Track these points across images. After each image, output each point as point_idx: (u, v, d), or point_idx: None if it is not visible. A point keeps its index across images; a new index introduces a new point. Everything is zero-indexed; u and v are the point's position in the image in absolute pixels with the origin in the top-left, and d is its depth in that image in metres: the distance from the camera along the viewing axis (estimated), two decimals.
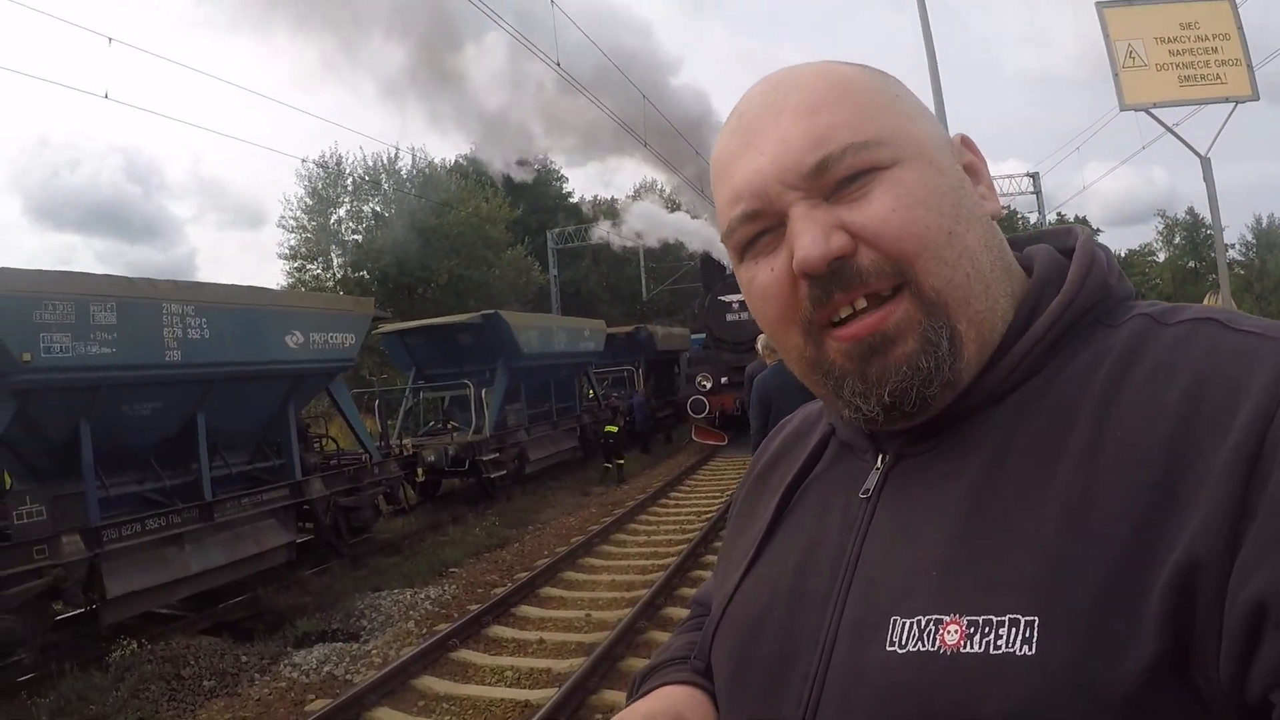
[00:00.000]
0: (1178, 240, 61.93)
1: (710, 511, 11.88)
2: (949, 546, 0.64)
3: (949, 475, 0.69)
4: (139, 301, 7.45)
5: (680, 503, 13.46)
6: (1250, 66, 5.70)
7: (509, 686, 5.90)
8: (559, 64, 16.34)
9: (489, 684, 5.98)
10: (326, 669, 6.52)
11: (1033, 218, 56.33)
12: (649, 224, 28.68)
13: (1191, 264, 59.63)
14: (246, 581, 8.44)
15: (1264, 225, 54.49)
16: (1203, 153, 4.74)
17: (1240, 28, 5.73)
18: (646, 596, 7.45)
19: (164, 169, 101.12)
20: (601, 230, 31.37)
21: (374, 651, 6.87)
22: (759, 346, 7.94)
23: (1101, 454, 0.60)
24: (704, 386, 18.16)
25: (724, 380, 18.07)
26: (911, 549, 0.67)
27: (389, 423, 14.17)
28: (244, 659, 6.80)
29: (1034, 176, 33.97)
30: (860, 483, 0.76)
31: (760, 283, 0.73)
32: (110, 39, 13.22)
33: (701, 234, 24.70)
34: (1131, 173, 57.04)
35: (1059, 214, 54.32)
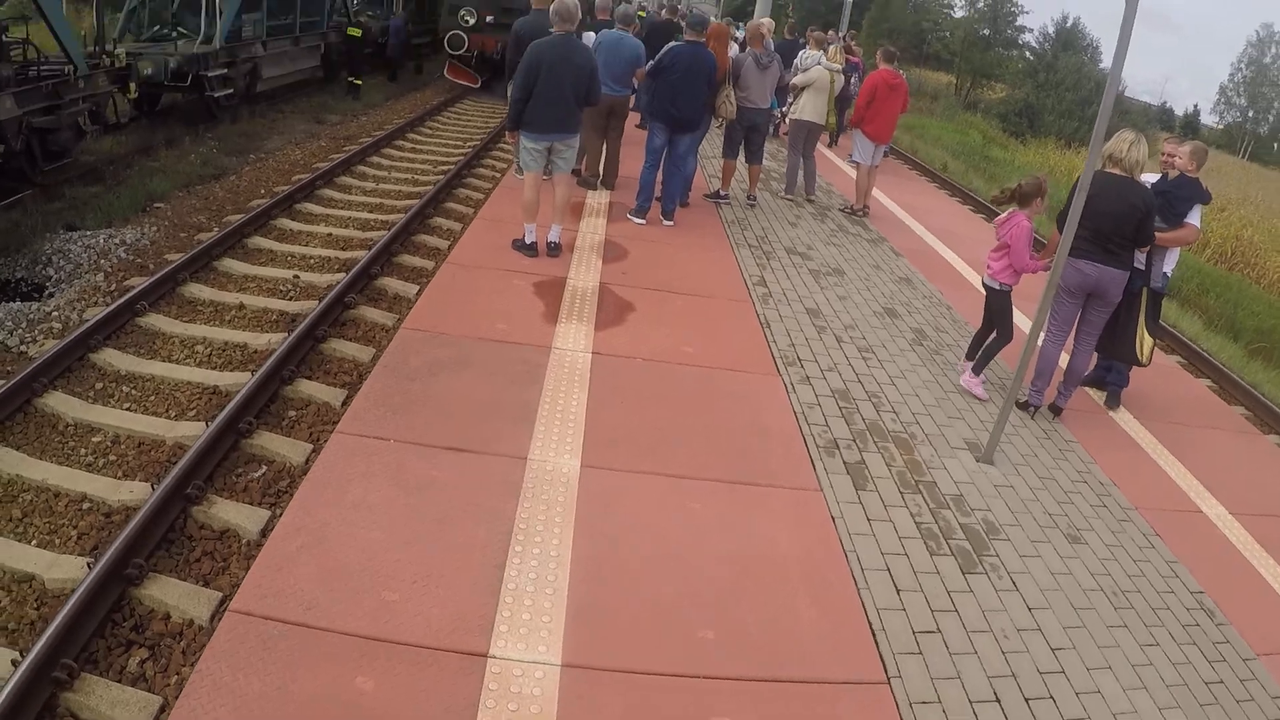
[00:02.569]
0: (981, 4, 63.18)
1: (448, 164, 11.56)
2: None
3: None
4: None
5: (419, 146, 12.95)
6: None
7: (198, 365, 5.80)
8: None
9: (177, 360, 5.84)
10: None
11: None
12: None
13: (986, 31, 62.91)
14: None
15: (1068, 25, 56.42)
16: None
17: None
18: (362, 261, 7.27)
19: None
20: None
21: (55, 314, 6.46)
22: (554, 7, 7.02)
23: None
24: (466, 22, 16.85)
25: (489, 19, 16.78)
26: None
27: (106, 24, 12.14)
28: None
29: None
30: None
31: None
32: None
33: None
34: None
35: None
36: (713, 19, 10.04)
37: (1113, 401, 6.56)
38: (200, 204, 9.34)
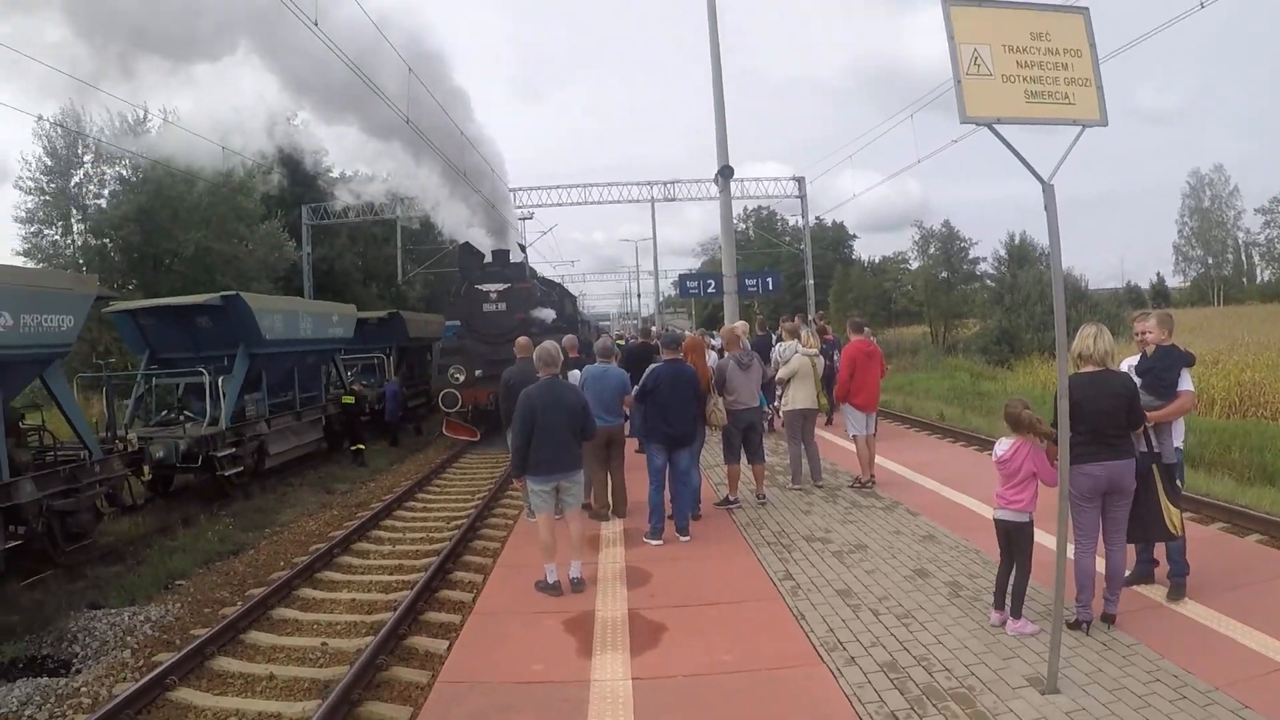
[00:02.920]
0: (933, 250, 67.34)
1: (461, 518, 11.88)
2: None
3: None
4: None
5: (429, 505, 13.35)
6: (1100, 88, 5.20)
7: None
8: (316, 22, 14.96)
9: None
10: (28, 712, 6.02)
11: (793, 220, 60.40)
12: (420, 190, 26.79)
13: (944, 274, 65.30)
14: None
15: (1016, 241, 59.26)
16: (1046, 178, 4.77)
17: (1093, 44, 5.23)
18: (390, 623, 7.32)
19: None
20: (352, 193, 30.68)
21: (84, 690, 6.40)
22: (536, 353, 7.59)
23: None
24: (456, 379, 18.03)
25: (478, 373, 17.97)
26: None
27: (116, 410, 13.07)
28: None
29: (799, 181, 36.08)
30: None
31: None
32: None
33: (463, 222, 23.46)
34: (888, 182, 62.93)
35: (818, 218, 58.24)
36: (687, 332, 10.77)
37: (1176, 594, 6.32)
38: (221, 579, 9.48)
